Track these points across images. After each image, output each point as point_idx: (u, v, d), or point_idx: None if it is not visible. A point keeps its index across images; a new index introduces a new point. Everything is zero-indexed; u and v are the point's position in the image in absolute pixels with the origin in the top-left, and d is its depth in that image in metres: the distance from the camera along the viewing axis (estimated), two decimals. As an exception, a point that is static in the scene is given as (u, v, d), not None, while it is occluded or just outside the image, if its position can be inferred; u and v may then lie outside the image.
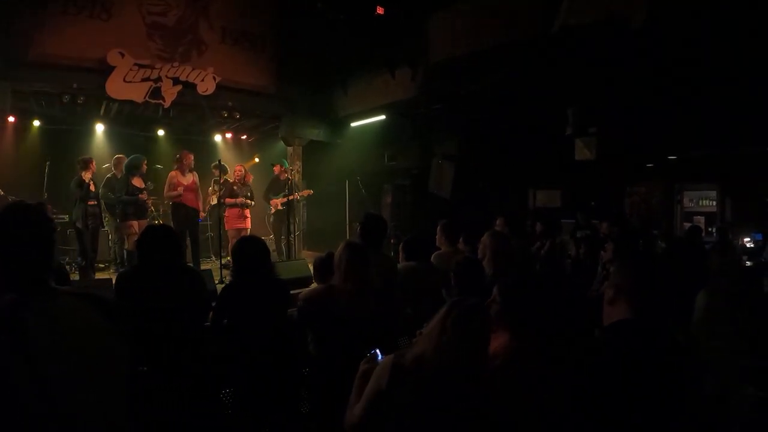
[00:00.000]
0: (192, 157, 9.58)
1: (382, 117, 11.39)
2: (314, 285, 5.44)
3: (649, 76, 7.56)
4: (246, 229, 9.47)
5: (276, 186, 10.38)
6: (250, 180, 9.84)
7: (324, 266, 4.26)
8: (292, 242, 10.63)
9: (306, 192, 10.77)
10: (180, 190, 9.14)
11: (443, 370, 2.24)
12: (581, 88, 8.49)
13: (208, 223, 11.55)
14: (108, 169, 9.69)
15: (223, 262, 9.11)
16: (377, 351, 2.70)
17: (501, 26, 8.01)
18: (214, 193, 9.72)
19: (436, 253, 5.48)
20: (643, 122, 9.08)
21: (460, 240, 5.68)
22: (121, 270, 8.42)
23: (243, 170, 9.93)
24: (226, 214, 9.33)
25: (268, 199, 10.34)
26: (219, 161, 9.96)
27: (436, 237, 5.67)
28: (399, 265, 4.98)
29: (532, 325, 2.65)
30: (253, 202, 9.86)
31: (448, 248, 5.53)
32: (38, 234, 1.83)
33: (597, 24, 6.85)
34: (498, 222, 7.19)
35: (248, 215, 9.67)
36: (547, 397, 2.33)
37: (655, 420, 2.02)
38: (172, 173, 9.39)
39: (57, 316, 1.77)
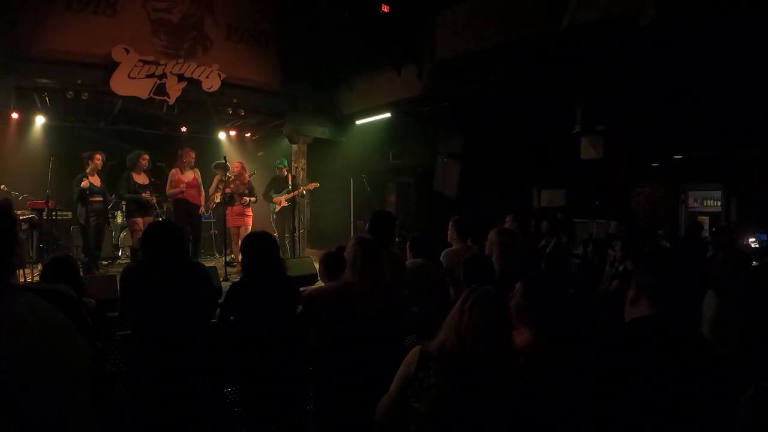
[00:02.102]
0: (192, 154, 9.56)
1: (387, 115, 11.38)
2: (319, 283, 5.42)
3: (656, 75, 7.54)
4: (247, 226, 9.44)
5: (278, 184, 10.34)
6: (247, 178, 9.76)
7: (334, 262, 4.20)
8: (297, 240, 10.60)
9: (312, 185, 10.70)
10: (182, 187, 9.14)
11: (465, 354, 2.27)
12: (589, 86, 8.47)
13: (212, 220, 11.54)
14: (114, 166, 9.68)
15: (227, 259, 9.11)
16: None
17: (508, 23, 7.99)
18: (218, 191, 9.68)
19: (446, 249, 5.45)
20: (649, 121, 9.05)
21: (469, 240, 5.64)
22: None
23: (240, 167, 9.85)
24: (226, 212, 9.32)
25: (269, 198, 10.29)
26: (224, 158, 9.93)
27: (448, 233, 5.61)
28: (407, 263, 4.95)
29: (554, 322, 2.65)
30: (254, 198, 9.79)
31: (459, 245, 5.48)
32: None
33: (605, 22, 6.82)
34: (506, 219, 7.15)
35: (250, 213, 9.63)
36: (570, 393, 2.32)
37: (678, 417, 2.01)
38: (173, 170, 9.43)
39: (11, 313, 1.73)
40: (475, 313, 2.33)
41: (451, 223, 5.62)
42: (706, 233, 9.24)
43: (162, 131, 12.78)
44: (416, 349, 2.47)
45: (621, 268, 5.71)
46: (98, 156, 8.53)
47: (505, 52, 8.16)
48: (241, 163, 9.99)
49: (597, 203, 11.05)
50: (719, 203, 12.14)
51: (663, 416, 2.01)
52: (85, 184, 8.27)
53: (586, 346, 2.48)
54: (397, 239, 9.98)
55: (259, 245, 3.68)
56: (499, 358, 2.32)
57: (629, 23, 6.53)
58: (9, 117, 10.38)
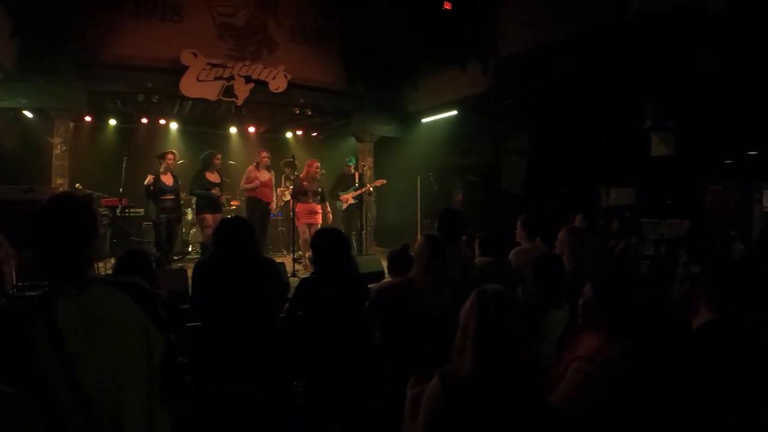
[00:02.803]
0: (266, 155, 9.69)
1: (454, 112, 11.28)
2: (387, 280, 5.42)
3: (728, 66, 7.20)
4: (316, 224, 9.51)
5: (344, 182, 10.39)
6: (318, 175, 9.83)
7: (400, 259, 4.19)
8: (364, 238, 10.65)
9: (379, 182, 10.72)
10: (257, 183, 9.31)
11: (484, 385, 2.04)
12: (659, 80, 8.18)
13: (279, 218, 11.73)
14: (183, 166, 9.95)
15: (294, 256, 9.23)
16: None
17: (573, 15, 7.81)
18: (287, 190, 9.83)
19: (515, 249, 5.31)
20: (722, 115, 8.67)
21: (538, 239, 5.51)
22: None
23: (315, 165, 9.93)
24: (297, 209, 9.42)
25: (335, 196, 10.35)
26: (292, 157, 10.08)
27: (516, 231, 5.47)
28: (475, 261, 4.88)
29: (627, 324, 2.57)
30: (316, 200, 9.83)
31: (527, 243, 5.33)
32: (73, 224, 1.84)
33: (674, 11, 6.57)
34: (576, 218, 6.99)
35: (319, 211, 9.66)
36: (642, 397, 2.24)
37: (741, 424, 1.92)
38: (250, 168, 9.58)
39: (87, 305, 1.80)
40: (485, 326, 2.09)
41: (519, 222, 5.48)
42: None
43: (228, 132, 13.10)
44: (435, 386, 2.12)
45: (693, 270, 5.50)
46: (170, 155, 8.75)
47: (570, 46, 7.97)
48: (315, 161, 10.10)
49: (668, 202, 10.70)
50: (796, 203, 11.56)
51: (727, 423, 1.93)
52: (149, 180, 8.47)
53: (656, 350, 2.38)
54: (464, 237, 9.90)
55: (330, 241, 3.70)
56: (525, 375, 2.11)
57: (699, 12, 6.27)
58: (82, 120, 10.80)
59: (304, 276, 4.58)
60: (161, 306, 2.27)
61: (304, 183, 9.42)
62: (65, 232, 1.82)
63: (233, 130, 13.14)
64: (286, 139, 13.76)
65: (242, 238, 3.48)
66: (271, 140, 13.29)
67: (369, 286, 3.96)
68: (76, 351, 1.74)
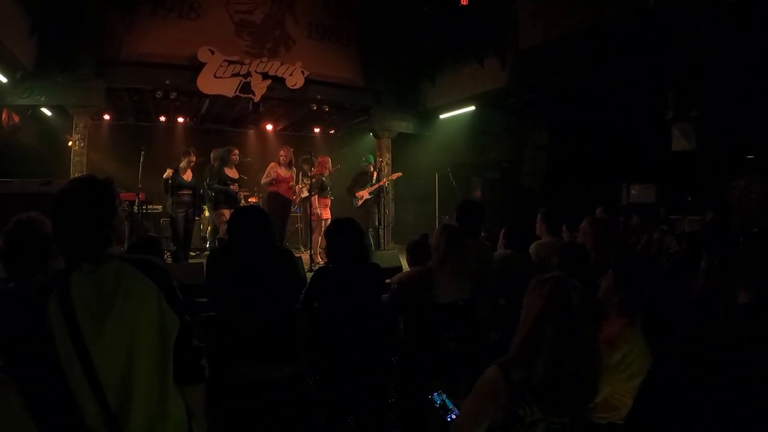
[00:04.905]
0: (286, 152, 9.65)
1: (472, 108, 11.19)
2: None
3: (749, 56, 7.05)
4: (325, 219, 9.55)
5: (362, 179, 10.38)
6: (326, 172, 9.91)
7: (419, 249, 4.15)
8: (381, 235, 10.63)
9: (395, 175, 10.72)
10: (271, 177, 9.27)
11: (566, 380, 1.95)
12: (678, 71, 8.04)
13: (297, 214, 11.74)
14: (199, 164, 9.98)
15: (318, 250, 9.24)
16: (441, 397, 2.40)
17: (592, 7, 7.71)
18: (305, 186, 9.85)
19: (536, 242, 5.19)
20: (744, 108, 8.50)
21: (564, 227, 5.41)
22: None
23: (328, 161, 10.01)
24: (319, 203, 9.48)
25: (352, 193, 10.35)
26: (310, 152, 10.09)
27: (537, 225, 5.35)
28: (495, 253, 4.82)
29: (649, 310, 2.52)
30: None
31: (548, 237, 5.20)
32: (93, 202, 1.87)
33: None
34: (597, 210, 6.89)
35: (327, 204, 9.80)
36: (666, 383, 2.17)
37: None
38: (272, 164, 9.53)
39: (102, 279, 1.82)
40: (566, 322, 1.98)
41: (539, 215, 5.37)
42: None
43: (247, 130, 13.15)
44: (496, 374, 2.00)
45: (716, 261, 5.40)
46: (192, 157, 8.77)
47: (589, 38, 7.86)
48: (327, 158, 10.15)
49: (689, 199, 10.54)
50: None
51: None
52: (167, 174, 8.50)
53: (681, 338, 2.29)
54: (483, 233, 9.83)
55: (344, 230, 3.64)
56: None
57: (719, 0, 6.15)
58: (101, 117, 10.88)
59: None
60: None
61: (324, 178, 9.47)
62: (85, 209, 1.84)
63: (251, 128, 13.17)
64: (304, 137, 13.77)
65: (256, 226, 3.42)
66: (289, 138, 13.28)
67: (387, 281, 3.91)
68: (89, 324, 1.75)
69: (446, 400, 2.34)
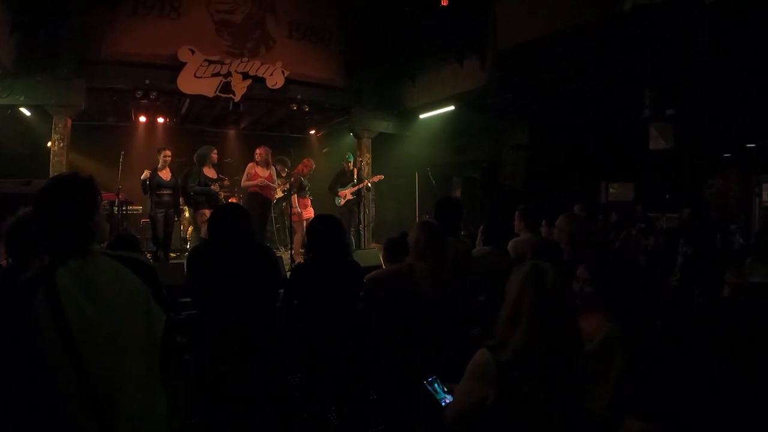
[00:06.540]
0: (262, 150, 9.62)
1: (451, 108, 11.24)
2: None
3: (726, 56, 7.16)
4: (307, 219, 9.57)
5: (343, 178, 10.42)
6: (307, 172, 9.96)
7: (396, 247, 4.17)
8: (362, 234, 10.65)
9: (377, 177, 10.76)
10: (259, 181, 9.23)
11: (534, 357, 2.08)
12: (655, 71, 8.13)
13: (274, 215, 11.72)
14: (179, 164, 9.93)
15: (300, 250, 9.26)
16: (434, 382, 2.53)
17: (571, 7, 7.78)
18: (280, 186, 9.86)
19: (514, 239, 5.25)
20: (720, 107, 8.62)
21: (543, 223, 5.47)
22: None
23: (309, 163, 10.06)
24: (299, 203, 9.50)
25: (335, 192, 10.38)
26: (290, 152, 10.11)
27: (515, 223, 5.42)
28: (474, 250, 4.86)
29: (628, 304, 2.57)
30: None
31: (527, 234, 5.26)
32: (75, 197, 1.89)
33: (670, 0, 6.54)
34: (576, 207, 6.96)
35: (307, 204, 9.87)
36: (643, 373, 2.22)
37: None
38: (250, 164, 9.49)
39: (88, 276, 1.83)
40: (539, 298, 2.11)
41: (517, 213, 5.44)
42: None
43: (226, 129, 13.11)
44: (485, 355, 2.14)
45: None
46: (167, 152, 8.73)
47: (568, 38, 7.93)
48: (310, 160, 10.22)
49: (667, 197, 10.68)
50: (797, 197, 11.50)
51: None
52: (145, 175, 8.48)
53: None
54: (462, 233, 9.90)
55: (325, 226, 3.66)
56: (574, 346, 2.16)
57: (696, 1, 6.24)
58: (80, 117, 10.73)
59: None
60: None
61: (302, 178, 9.49)
62: (67, 205, 1.86)
63: (232, 128, 13.13)
64: (284, 137, 13.68)
65: (235, 222, 3.43)
66: (269, 138, 13.18)
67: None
68: (76, 320, 1.75)
69: (438, 386, 2.49)
